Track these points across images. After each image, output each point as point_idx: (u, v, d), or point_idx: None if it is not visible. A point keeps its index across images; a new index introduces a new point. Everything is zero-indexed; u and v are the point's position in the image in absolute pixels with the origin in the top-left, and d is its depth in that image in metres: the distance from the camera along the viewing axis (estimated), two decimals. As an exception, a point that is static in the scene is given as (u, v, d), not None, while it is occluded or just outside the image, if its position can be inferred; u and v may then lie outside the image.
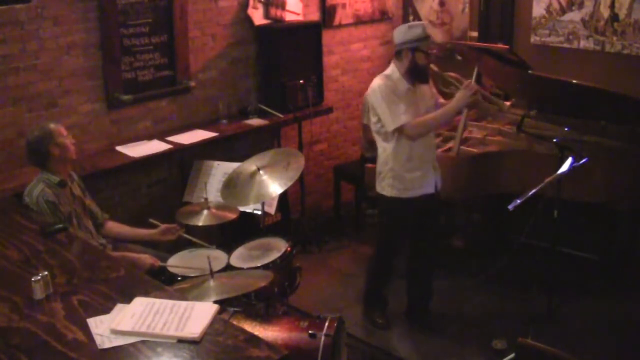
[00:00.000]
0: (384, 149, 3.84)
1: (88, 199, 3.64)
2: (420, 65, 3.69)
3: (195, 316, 2.28)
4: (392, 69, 3.77)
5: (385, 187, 3.87)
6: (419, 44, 3.65)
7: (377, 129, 3.81)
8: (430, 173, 3.86)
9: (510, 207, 3.63)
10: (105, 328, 2.25)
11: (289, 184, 3.72)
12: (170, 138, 4.44)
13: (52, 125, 3.44)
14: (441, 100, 3.98)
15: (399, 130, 3.69)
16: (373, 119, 3.80)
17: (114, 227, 3.74)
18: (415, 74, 3.72)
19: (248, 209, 4.14)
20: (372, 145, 4.21)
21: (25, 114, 3.94)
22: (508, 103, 4.24)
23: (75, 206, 3.48)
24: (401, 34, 3.68)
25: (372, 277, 4.23)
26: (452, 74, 3.81)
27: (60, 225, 3.11)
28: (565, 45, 4.98)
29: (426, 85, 3.83)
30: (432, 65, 3.79)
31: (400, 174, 3.80)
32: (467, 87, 3.72)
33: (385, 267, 4.15)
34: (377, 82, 3.77)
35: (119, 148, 4.27)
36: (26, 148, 3.44)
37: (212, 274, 3.09)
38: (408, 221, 3.95)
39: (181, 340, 2.18)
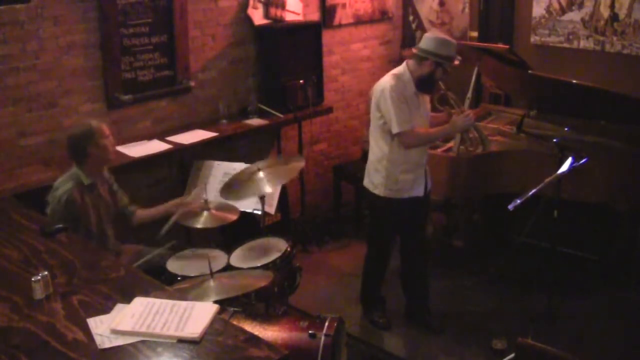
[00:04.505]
0: (381, 146, 3.83)
1: (118, 195, 3.64)
2: (435, 79, 3.71)
3: (195, 316, 2.28)
4: (404, 69, 3.76)
5: (377, 185, 3.88)
6: (445, 62, 3.66)
7: (380, 125, 3.79)
8: (422, 176, 3.88)
9: (510, 207, 3.63)
10: (105, 328, 2.25)
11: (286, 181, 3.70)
12: (170, 138, 4.44)
13: (94, 124, 3.41)
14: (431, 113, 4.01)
15: (398, 135, 3.71)
16: (376, 114, 3.79)
17: (141, 214, 3.74)
18: (426, 85, 3.74)
19: (248, 209, 4.14)
20: None
21: (25, 114, 3.94)
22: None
23: (100, 209, 3.47)
24: (435, 44, 3.66)
25: (367, 277, 4.23)
26: (452, 94, 3.84)
27: (60, 225, 3.11)
28: (565, 45, 4.99)
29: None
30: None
31: (393, 174, 3.81)
32: (467, 116, 3.74)
33: (379, 266, 4.15)
34: (387, 81, 3.73)
35: (119, 148, 4.24)
36: (67, 142, 3.43)
37: (212, 274, 3.09)
38: (396, 221, 3.96)
39: (181, 340, 2.18)
